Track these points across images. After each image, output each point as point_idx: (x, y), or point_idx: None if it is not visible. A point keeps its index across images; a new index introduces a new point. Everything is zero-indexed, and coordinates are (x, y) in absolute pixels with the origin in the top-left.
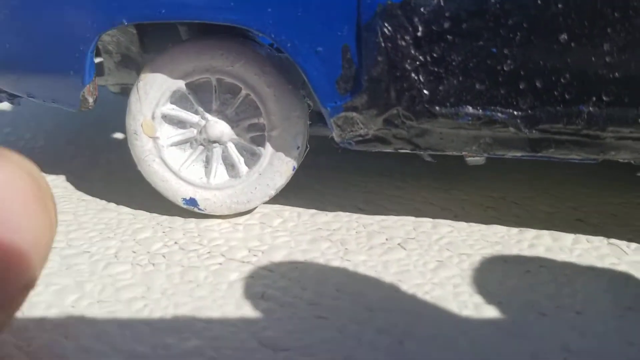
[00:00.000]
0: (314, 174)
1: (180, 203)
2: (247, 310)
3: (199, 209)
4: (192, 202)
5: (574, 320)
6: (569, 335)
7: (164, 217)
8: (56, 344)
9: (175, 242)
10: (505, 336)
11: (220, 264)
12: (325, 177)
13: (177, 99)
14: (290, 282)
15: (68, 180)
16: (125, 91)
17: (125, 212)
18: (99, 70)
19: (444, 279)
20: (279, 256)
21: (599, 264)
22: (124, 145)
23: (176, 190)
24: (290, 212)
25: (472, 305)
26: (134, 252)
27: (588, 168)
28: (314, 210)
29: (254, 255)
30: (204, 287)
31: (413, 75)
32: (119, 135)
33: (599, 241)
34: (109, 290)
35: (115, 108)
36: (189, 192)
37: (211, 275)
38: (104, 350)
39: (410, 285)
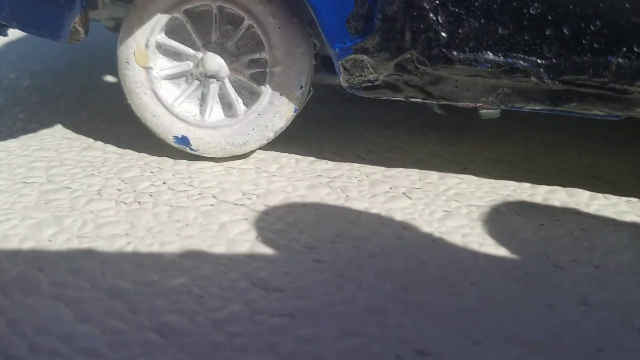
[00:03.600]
0: (315, 124)
1: (172, 141)
2: (239, 252)
3: (191, 149)
4: (184, 140)
5: (592, 274)
6: (587, 289)
7: (153, 157)
8: (30, 276)
9: (164, 182)
10: (518, 286)
11: (212, 205)
12: (327, 127)
13: (174, 28)
14: (287, 225)
15: (52, 118)
16: (119, 27)
17: (111, 151)
18: (93, 3)
19: (452, 229)
20: (275, 200)
21: (618, 220)
22: (113, 87)
23: (168, 127)
24: (287, 159)
25: (482, 255)
26: (119, 190)
27: (604, 126)
28: (313, 158)
29: (248, 198)
30: (193, 227)
31: (431, 15)
32: (109, 78)
33: (616, 198)
34: (90, 226)
35: (105, 50)
36: (181, 129)
37: (201, 216)
38: (81, 285)
39: (415, 233)
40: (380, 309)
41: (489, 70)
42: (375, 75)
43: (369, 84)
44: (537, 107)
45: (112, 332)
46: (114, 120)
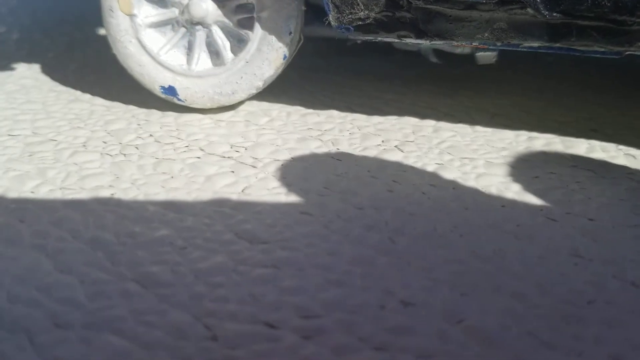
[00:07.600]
0: (307, 76)
1: (158, 92)
2: (225, 204)
3: (179, 100)
4: (171, 91)
5: (587, 227)
6: (581, 241)
7: (141, 110)
8: (11, 227)
9: (151, 135)
10: (509, 239)
11: (199, 157)
12: (321, 80)
13: None
14: (275, 178)
15: (40, 71)
16: None
17: (98, 103)
18: None
19: (443, 181)
20: (263, 153)
21: (615, 173)
22: (102, 40)
23: (154, 76)
24: (279, 112)
25: (473, 208)
26: (105, 142)
27: (604, 77)
28: (304, 111)
29: (236, 151)
30: (178, 179)
31: None
32: (97, 31)
33: (615, 151)
34: (74, 178)
35: (94, 3)
36: (167, 79)
37: (187, 168)
38: (62, 235)
39: (405, 186)
40: (366, 260)
41: (484, 2)
42: (366, 12)
43: (360, 22)
44: (535, 44)
45: (91, 282)
46: (102, 73)
